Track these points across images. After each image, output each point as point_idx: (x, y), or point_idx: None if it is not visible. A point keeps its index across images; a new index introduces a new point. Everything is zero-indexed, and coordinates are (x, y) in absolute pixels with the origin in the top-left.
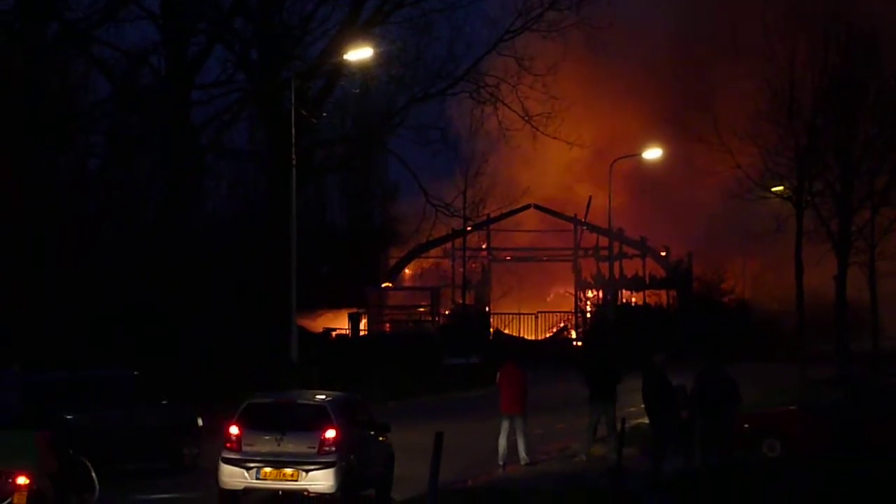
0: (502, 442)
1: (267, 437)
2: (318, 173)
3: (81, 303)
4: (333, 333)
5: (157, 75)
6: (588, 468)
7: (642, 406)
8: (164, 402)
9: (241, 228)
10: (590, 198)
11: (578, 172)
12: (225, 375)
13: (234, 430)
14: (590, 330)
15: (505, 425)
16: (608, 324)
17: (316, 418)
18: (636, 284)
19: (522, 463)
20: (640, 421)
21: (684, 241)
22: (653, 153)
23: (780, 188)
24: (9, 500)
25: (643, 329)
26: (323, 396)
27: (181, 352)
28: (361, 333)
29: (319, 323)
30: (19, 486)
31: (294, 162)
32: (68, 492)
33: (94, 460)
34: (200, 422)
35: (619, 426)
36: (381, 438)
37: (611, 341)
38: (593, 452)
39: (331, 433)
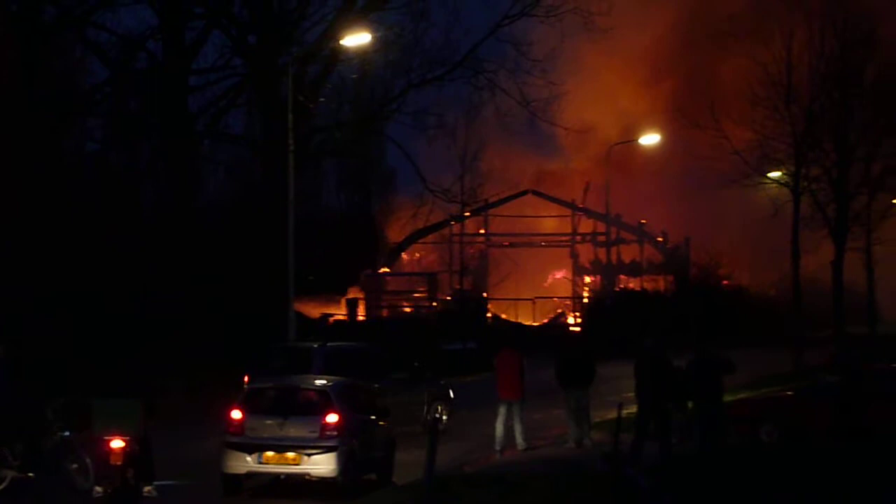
0: (499, 427)
1: (269, 422)
2: (315, 159)
3: (78, 286)
4: (331, 319)
5: (154, 60)
6: (585, 453)
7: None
8: (428, 375)
9: (239, 213)
10: (587, 183)
11: (576, 158)
12: (223, 360)
13: (236, 414)
14: (587, 315)
15: (502, 411)
16: (605, 309)
17: (318, 403)
18: (633, 270)
19: (520, 448)
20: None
21: (682, 226)
22: (650, 139)
23: (778, 174)
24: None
25: (641, 314)
26: (324, 381)
27: (180, 336)
28: (359, 319)
29: (317, 308)
30: (114, 449)
31: (291, 147)
32: (150, 454)
33: None
34: (452, 394)
35: (591, 412)
36: (381, 423)
37: (586, 328)
38: (593, 437)
39: (332, 418)
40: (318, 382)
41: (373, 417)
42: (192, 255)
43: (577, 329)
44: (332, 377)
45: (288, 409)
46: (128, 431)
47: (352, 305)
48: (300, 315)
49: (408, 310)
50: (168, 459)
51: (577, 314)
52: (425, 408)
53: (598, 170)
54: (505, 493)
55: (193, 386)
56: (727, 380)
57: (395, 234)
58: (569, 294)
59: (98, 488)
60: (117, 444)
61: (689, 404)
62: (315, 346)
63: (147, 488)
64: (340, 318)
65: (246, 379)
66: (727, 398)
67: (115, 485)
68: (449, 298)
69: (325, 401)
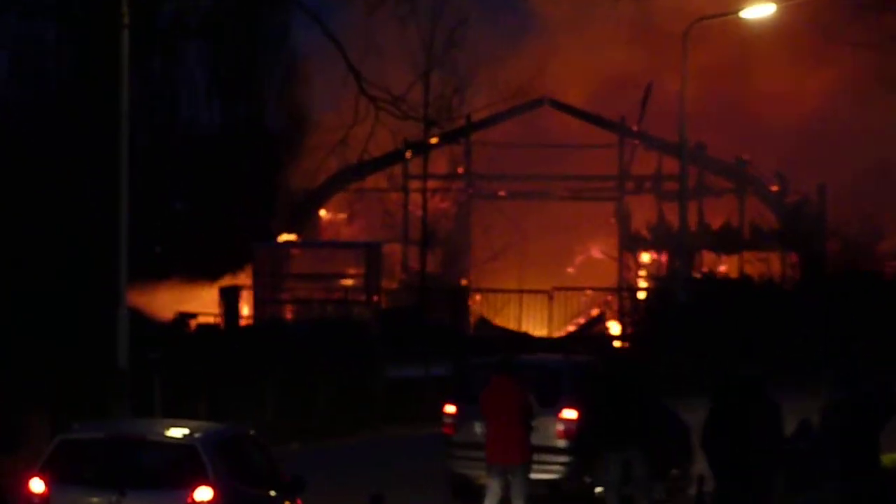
0: None
1: (95, 500)
2: (168, 42)
3: None
4: (194, 321)
5: None
6: None
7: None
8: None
9: (35, 129)
10: (648, 86)
11: (626, 46)
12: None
13: (36, 485)
14: (644, 320)
15: (494, 488)
16: (676, 310)
17: (179, 467)
18: (728, 241)
19: None
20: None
21: (811, 166)
22: (757, 10)
23: None
24: None
25: (737, 320)
26: (188, 430)
27: None
28: (243, 322)
29: (169, 302)
30: None
31: (126, 21)
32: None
33: None
34: None
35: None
36: None
37: (640, 342)
38: None
39: (204, 494)
40: (179, 432)
41: (272, 494)
42: None
43: (624, 344)
44: (203, 423)
45: (127, 477)
46: None
47: (230, 299)
48: (138, 315)
49: (329, 307)
50: None
51: (627, 318)
52: None
53: (665, 67)
54: None
55: None
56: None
57: (307, 175)
58: (613, 283)
59: None
60: None
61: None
62: (562, 358)
63: None
64: (210, 320)
65: (449, 410)
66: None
67: None
68: (399, 287)
69: (191, 463)
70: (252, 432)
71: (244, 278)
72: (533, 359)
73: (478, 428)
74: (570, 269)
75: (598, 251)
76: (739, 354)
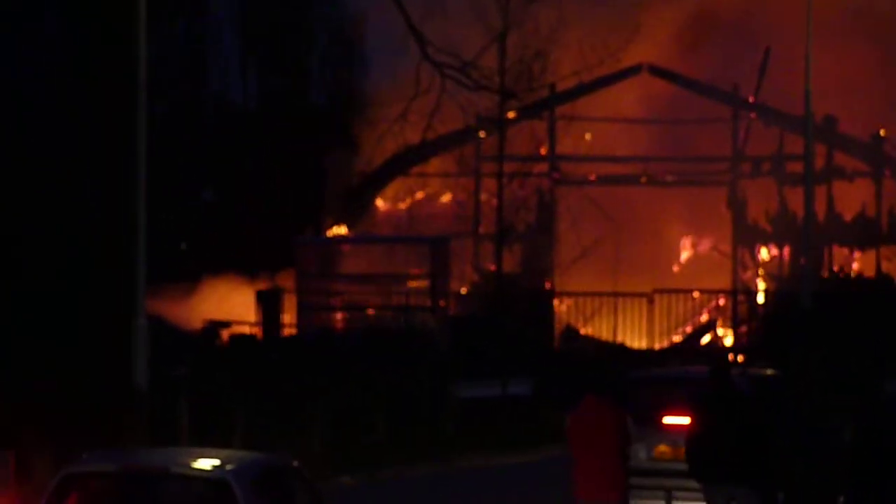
0: None
1: None
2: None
3: None
4: (225, 331)
5: None
6: None
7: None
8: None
9: (33, 106)
10: (766, 50)
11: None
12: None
13: None
14: (761, 327)
15: None
16: (800, 315)
17: None
18: (862, 234)
19: None
20: None
21: None
22: None
23: None
24: None
25: (874, 327)
26: (219, 461)
27: None
28: (284, 332)
29: (197, 309)
30: None
31: None
32: None
33: None
34: None
35: None
36: None
37: (755, 354)
38: None
39: None
40: (208, 463)
41: None
42: None
43: (737, 356)
44: (235, 453)
45: None
46: None
47: (270, 304)
48: (160, 323)
49: (388, 314)
50: None
51: (743, 326)
52: None
53: (784, 24)
54: None
55: None
56: None
57: (360, 158)
58: (725, 285)
59: None
60: None
61: None
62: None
63: None
64: (246, 329)
65: None
66: None
67: None
68: (470, 291)
69: (222, 501)
70: (295, 463)
71: (286, 280)
72: (681, 372)
73: (642, 453)
74: (674, 268)
75: (708, 246)
76: (877, 367)
